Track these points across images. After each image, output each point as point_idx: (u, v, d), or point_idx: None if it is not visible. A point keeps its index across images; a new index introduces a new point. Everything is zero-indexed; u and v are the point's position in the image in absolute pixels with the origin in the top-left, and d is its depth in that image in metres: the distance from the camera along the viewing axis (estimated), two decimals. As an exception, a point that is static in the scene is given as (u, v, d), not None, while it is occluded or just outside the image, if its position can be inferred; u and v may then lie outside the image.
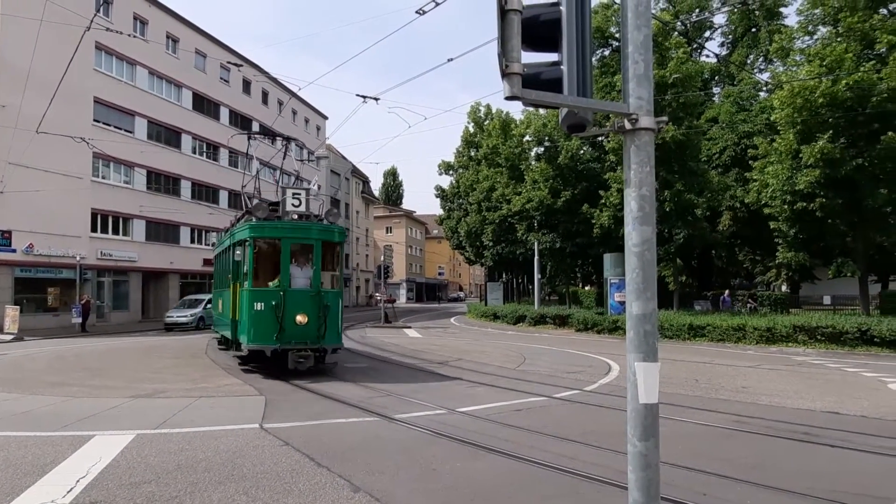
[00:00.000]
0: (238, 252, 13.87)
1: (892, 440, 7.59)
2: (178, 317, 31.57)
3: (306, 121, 61.78)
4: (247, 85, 48.54)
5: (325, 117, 67.32)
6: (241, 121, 47.65)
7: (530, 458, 6.68)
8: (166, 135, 40.41)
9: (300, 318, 12.77)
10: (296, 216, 13.59)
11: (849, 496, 5.45)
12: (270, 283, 13.48)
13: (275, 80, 47.48)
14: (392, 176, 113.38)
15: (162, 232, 40.02)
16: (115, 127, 36.03)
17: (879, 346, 18.90)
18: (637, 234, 3.28)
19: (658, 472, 3.33)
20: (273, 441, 7.52)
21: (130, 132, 37.18)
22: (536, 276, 38.66)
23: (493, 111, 47.13)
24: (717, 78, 34.47)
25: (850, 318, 21.85)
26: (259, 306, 12.80)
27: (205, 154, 44.40)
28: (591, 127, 3.54)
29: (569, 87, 3.29)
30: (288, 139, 17.80)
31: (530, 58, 3.53)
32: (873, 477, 6.21)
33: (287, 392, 11.32)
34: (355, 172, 73.27)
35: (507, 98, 3.07)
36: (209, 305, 28.99)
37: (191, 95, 42.79)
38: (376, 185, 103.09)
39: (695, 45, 31.80)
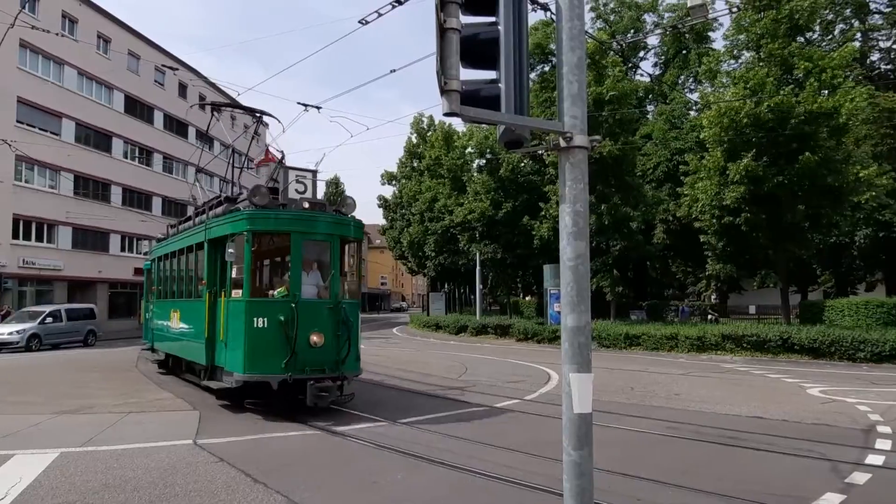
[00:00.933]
0: (230, 251, 10.24)
1: (811, 442, 8.05)
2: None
3: (245, 127, 60.44)
4: (183, 89, 47.04)
5: (266, 125, 66.07)
6: (176, 125, 46.11)
7: (472, 468, 6.72)
8: (96, 138, 38.62)
9: (316, 339, 9.76)
10: (306, 205, 10.55)
11: (772, 497, 5.75)
12: (274, 293, 10.43)
13: (213, 85, 46.22)
14: (335, 185, 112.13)
15: (90, 239, 38.11)
16: (41, 129, 34.16)
17: (799, 352, 20.03)
18: (571, 248, 3.39)
19: (592, 479, 3.43)
20: (207, 457, 7.28)
21: (57, 134, 35.33)
22: (478, 286, 39.01)
23: (436, 123, 47.47)
24: (650, 96, 35.95)
25: (772, 326, 23.09)
26: (260, 323, 9.67)
27: (137, 159, 42.69)
28: (528, 144, 3.64)
29: (506, 105, 3.37)
30: (261, 114, 14.18)
31: (470, 74, 3.62)
32: (794, 477, 6.57)
33: (223, 406, 10.97)
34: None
35: (446, 114, 3.13)
36: (49, 319, 26.06)
37: (123, 98, 41.10)
38: (320, 195, 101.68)
39: (630, 65, 33.08)
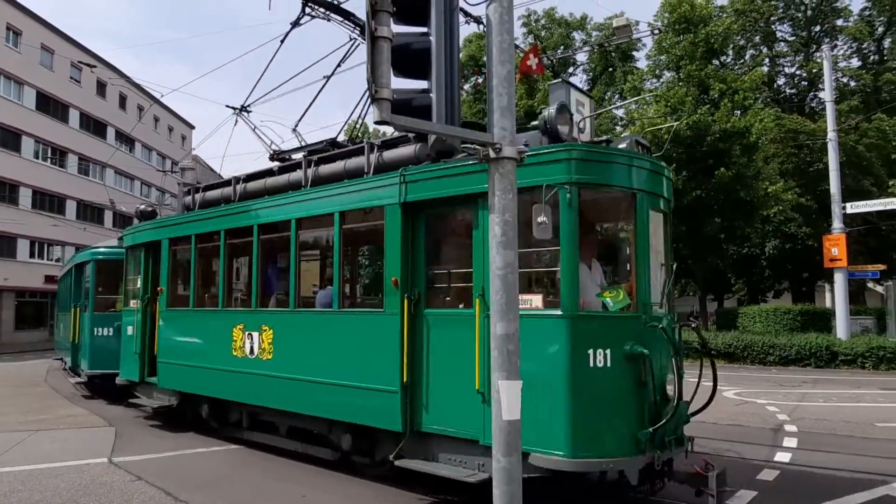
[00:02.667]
0: (541, 220, 4.11)
1: (728, 442, 8.50)
2: None
3: (170, 129, 58.03)
4: (102, 87, 44.68)
5: (192, 126, 63.66)
6: (93, 125, 43.72)
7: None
8: (3, 136, 36.07)
9: (670, 390, 5.71)
10: (624, 144, 6.01)
11: (689, 493, 6.01)
12: (610, 298, 5.54)
13: (135, 84, 44.18)
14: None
15: (-6, 245, 35.49)
16: (-62, 125, 31.60)
17: (716, 357, 21.11)
18: (501, 257, 3.46)
19: (520, 486, 3.49)
20: (124, 476, 6.89)
21: (-43, 132, 32.78)
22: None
23: (371, 130, 47.23)
24: (579, 111, 37.13)
25: (691, 332, 24.23)
26: (599, 359, 5.14)
27: (49, 160, 40.14)
28: (458, 154, 3.69)
29: (437, 115, 3.41)
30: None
31: (402, 83, 3.64)
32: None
33: (142, 422, 10.43)
34: (225, 186, 69.89)
35: (377, 123, 3.13)
36: None
37: (34, 94, 38.61)
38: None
39: (560, 80, 34.15)
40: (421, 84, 3.63)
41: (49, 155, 40.08)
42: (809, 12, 26.92)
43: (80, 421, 10.55)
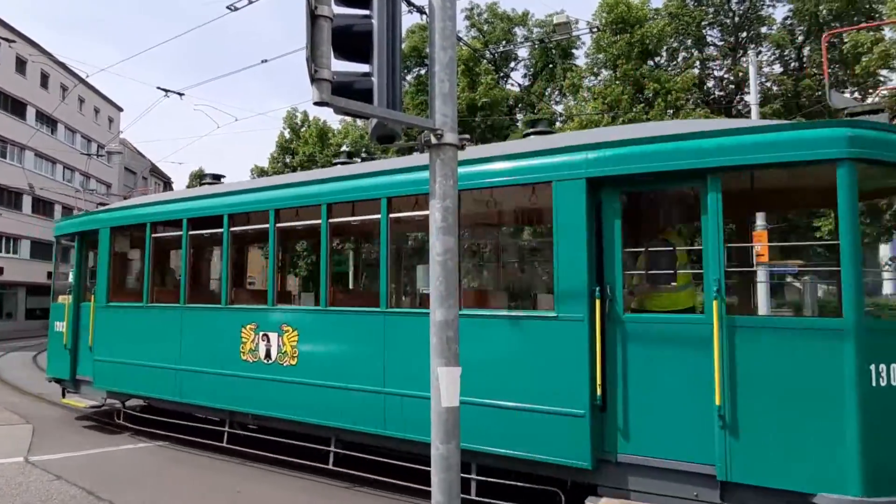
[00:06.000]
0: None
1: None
2: None
3: (96, 111, 55.00)
4: (21, 64, 41.81)
5: (120, 109, 60.56)
6: (11, 104, 40.90)
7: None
8: None
9: None
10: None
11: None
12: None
13: (58, 62, 41.59)
14: (199, 178, 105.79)
15: None
16: None
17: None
18: (440, 243, 3.45)
19: (458, 473, 3.50)
20: (42, 476, 6.51)
21: None
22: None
23: (311, 119, 46.35)
24: (520, 105, 37.64)
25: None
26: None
27: (-41, 141, 37.33)
28: (400, 140, 3.66)
29: (378, 99, 3.36)
30: None
31: (344, 66, 3.56)
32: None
33: (61, 418, 9.88)
34: (155, 172, 66.87)
35: (316, 103, 3.05)
36: None
37: (-58, 70, 35.78)
38: (181, 187, 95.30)
39: (502, 74, 34.43)
40: (362, 67, 3.57)
41: (-42, 135, 37.33)
42: (737, 19, 28.20)
43: (-8, 418, 9.90)
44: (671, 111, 23.54)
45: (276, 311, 7.00)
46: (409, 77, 33.75)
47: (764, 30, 28.10)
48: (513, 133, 35.14)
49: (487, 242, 10.14)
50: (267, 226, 7.14)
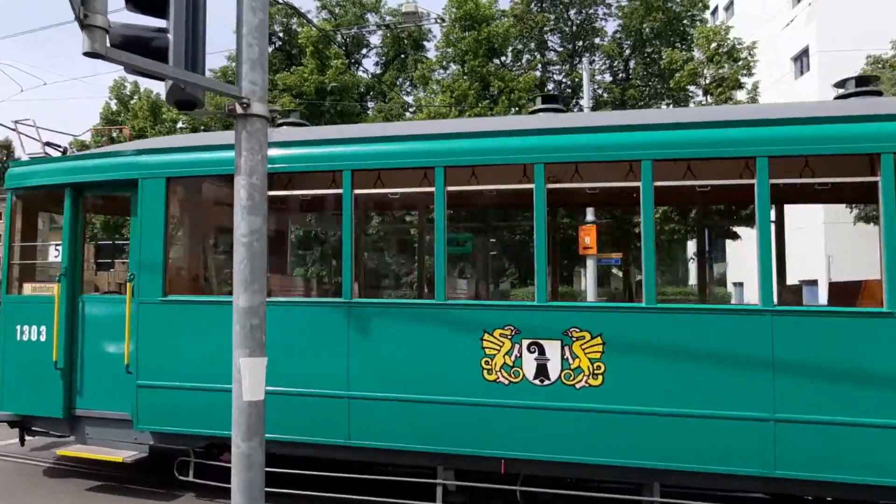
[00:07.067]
0: None
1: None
2: None
3: None
4: None
5: None
6: None
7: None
8: None
9: None
10: None
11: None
12: None
13: None
14: (5, 149, 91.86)
15: None
16: None
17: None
18: (246, 223, 3.15)
19: (262, 472, 3.25)
20: None
21: None
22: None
23: (143, 90, 42.19)
24: (371, 93, 37.32)
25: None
26: None
27: None
28: (202, 107, 3.28)
29: (175, 59, 2.98)
30: None
31: (138, 20, 3.13)
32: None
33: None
34: (-57, 141, 56.91)
35: (87, 54, 2.59)
36: None
37: None
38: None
39: (353, 60, 33.84)
40: (160, 23, 3.15)
41: None
42: (574, 28, 30.25)
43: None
44: (514, 109, 24.66)
45: (552, 309, 4.98)
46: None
47: (597, 40, 30.41)
48: (364, 121, 34.76)
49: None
50: (525, 186, 5.10)
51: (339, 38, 32.15)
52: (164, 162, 5.88)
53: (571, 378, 4.75)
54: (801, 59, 30.49)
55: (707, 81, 24.12)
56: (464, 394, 4.92)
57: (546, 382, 4.80)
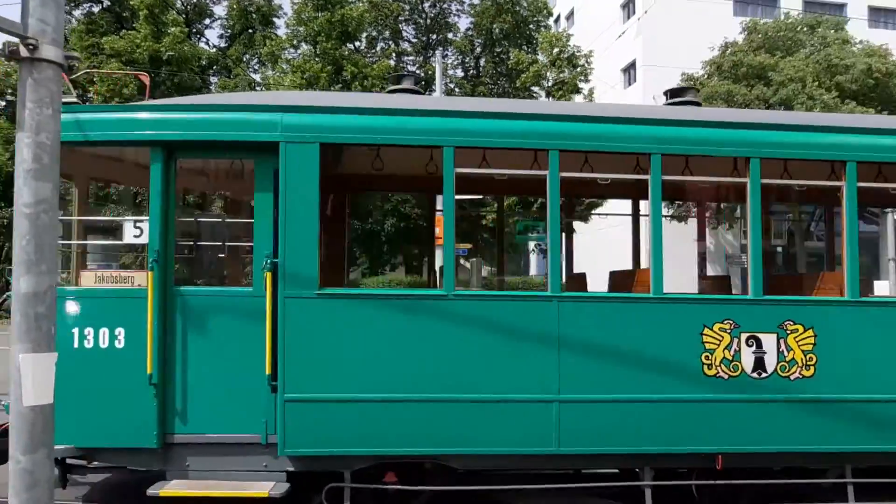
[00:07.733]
0: None
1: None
2: None
3: None
4: None
5: None
6: None
7: None
8: None
9: None
10: None
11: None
12: None
13: None
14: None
15: None
16: None
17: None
18: (30, 191, 2.59)
19: (51, 490, 2.72)
20: None
21: None
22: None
23: None
24: (215, 68, 34.73)
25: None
26: None
27: None
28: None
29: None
30: None
31: None
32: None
33: None
34: None
35: None
36: None
37: None
38: None
39: (194, 30, 31.24)
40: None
41: None
42: (429, 21, 30.54)
43: None
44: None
45: (768, 304, 5.01)
46: (77, 13, 28.26)
47: (451, 35, 30.97)
48: (209, 96, 32.30)
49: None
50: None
51: (178, 3, 29.50)
52: (319, 124, 4.81)
53: (787, 370, 4.94)
54: (630, 71, 33.54)
55: (549, 84, 25.59)
56: (683, 390, 4.84)
57: (763, 375, 4.93)
